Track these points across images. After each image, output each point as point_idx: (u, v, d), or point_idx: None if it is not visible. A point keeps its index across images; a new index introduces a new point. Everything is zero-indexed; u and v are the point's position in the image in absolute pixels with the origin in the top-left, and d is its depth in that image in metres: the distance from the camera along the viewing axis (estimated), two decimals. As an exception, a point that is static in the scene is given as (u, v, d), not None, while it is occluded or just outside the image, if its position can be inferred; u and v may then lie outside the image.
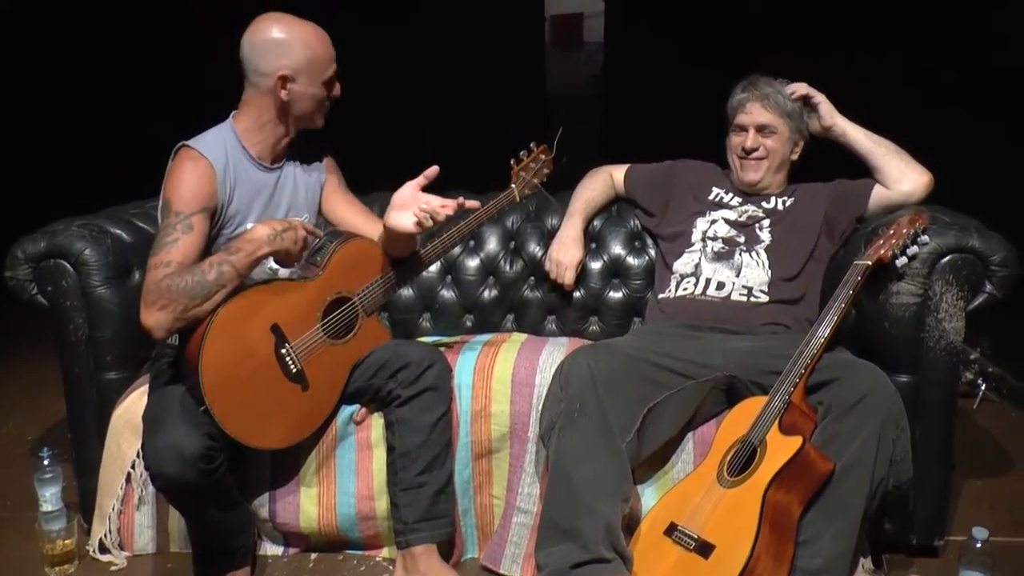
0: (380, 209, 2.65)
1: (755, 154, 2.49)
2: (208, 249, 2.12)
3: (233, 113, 2.22)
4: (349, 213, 2.43)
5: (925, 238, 2.16)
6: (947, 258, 2.17)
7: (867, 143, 2.43)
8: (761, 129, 2.47)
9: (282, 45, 2.13)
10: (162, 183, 2.13)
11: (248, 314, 2.06)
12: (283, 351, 2.12)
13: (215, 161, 2.12)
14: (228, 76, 2.17)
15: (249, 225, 2.19)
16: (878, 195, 2.41)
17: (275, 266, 2.19)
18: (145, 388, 2.27)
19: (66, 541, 2.32)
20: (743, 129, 2.50)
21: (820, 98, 2.47)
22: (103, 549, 2.36)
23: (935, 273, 2.18)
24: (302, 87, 2.16)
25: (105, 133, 6.39)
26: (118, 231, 2.49)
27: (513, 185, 2.40)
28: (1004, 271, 2.16)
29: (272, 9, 2.17)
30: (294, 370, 2.14)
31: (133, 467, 2.29)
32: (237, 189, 2.17)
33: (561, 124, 2.52)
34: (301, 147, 2.34)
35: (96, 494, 2.38)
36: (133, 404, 2.28)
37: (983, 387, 3.25)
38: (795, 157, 2.54)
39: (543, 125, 2.48)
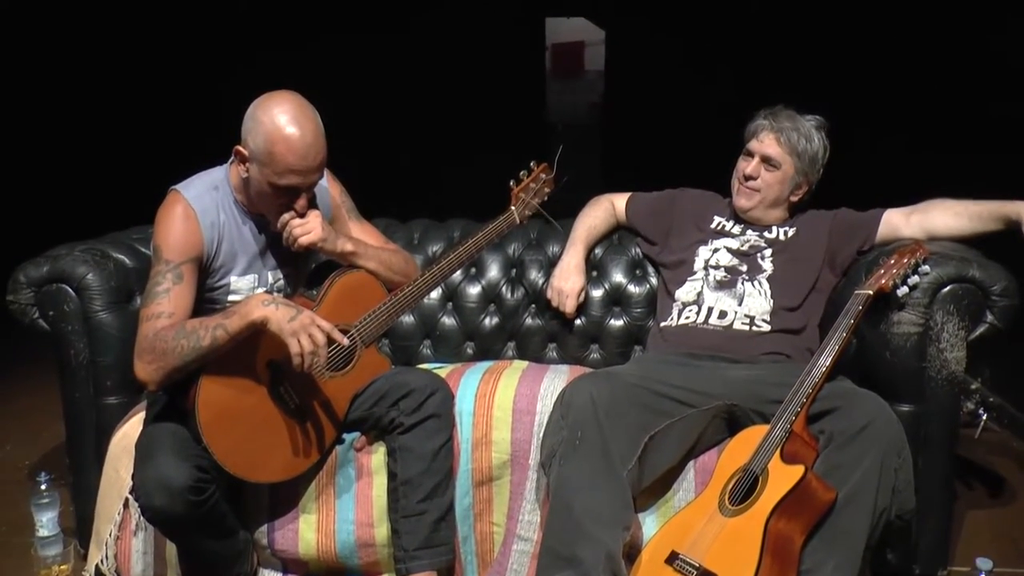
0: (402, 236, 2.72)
1: (751, 183, 2.50)
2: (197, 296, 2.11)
3: (232, 159, 2.13)
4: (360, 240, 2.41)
5: (926, 268, 2.17)
6: (948, 288, 2.18)
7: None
8: (766, 160, 2.48)
9: (254, 124, 2.01)
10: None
11: (244, 352, 2.05)
12: (280, 388, 2.12)
13: (202, 213, 2.08)
14: (239, 108, 2.12)
15: (234, 277, 2.17)
16: (888, 228, 2.42)
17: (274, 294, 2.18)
18: (144, 414, 2.26)
19: (62, 567, 2.31)
20: (750, 155, 2.51)
21: None
22: (99, 575, 2.34)
23: (936, 303, 2.18)
24: (254, 173, 2.04)
25: (109, 158, 6.42)
26: (120, 256, 2.50)
27: (513, 207, 2.40)
28: (1005, 301, 2.17)
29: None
30: (292, 406, 2.14)
31: (131, 493, 2.28)
32: (224, 242, 2.13)
33: (562, 148, 2.53)
34: None
35: (93, 519, 2.37)
36: (132, 429, 2.27)
37: (984, 417, 3.23)
38: (795, 198, 2.53)
39: (544, 153, 2.49)
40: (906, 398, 2.21)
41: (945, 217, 2.36)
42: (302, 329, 1.97)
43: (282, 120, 2.00)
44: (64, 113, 6.42)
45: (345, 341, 2.09)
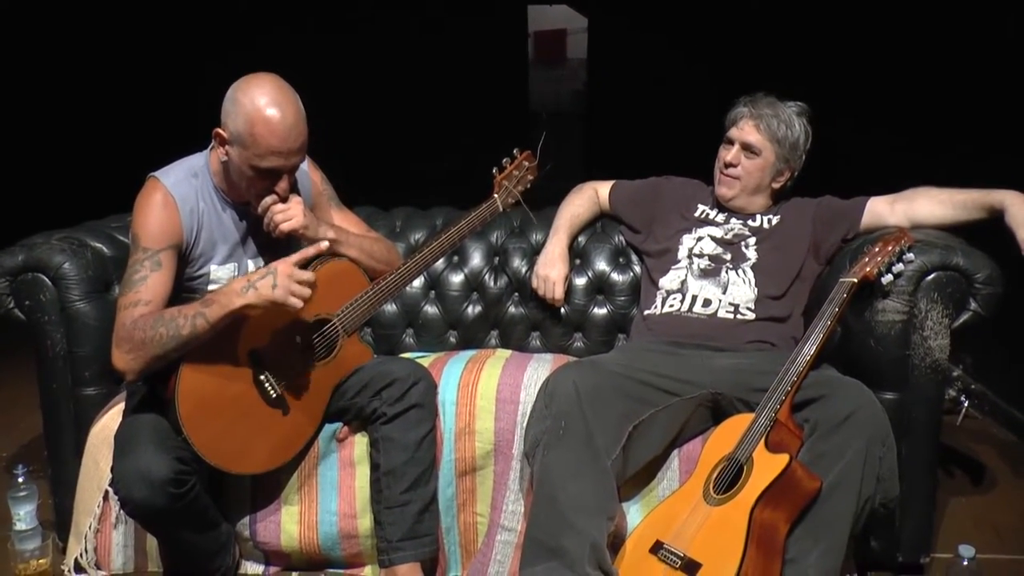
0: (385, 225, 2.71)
1: (732, 170, 2.49)
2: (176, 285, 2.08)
3: (212, 144, 2.11)
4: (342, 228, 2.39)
5: (910, 256, 2.17)
6: (932, 276, 2.18)
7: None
8: (746, 148, 2.47)
9: (234, 106, 1.99)
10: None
11: (225, 341, 2.02)
12: (262, 377, 2.10)
13: (181, 200, 2.05)
14: (219, 94, 2.09)
15: (214, 266, 2.14)
16: (872, 216, 2.42)
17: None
18: (124, 404, 2.24)
19: (40, 560, 2.28)
20: (731, 143, 2.50)
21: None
22: (79, 569, 2.31)
23: (920, 291, 2.18)
24: (234, 156, 2.02)
25: (86, 145, 6.35)
26: (98, 245, 2.47)
27: (496, 195, 2.39)
28: (988, 289, 2.17)
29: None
30: (274, 395, 2.12)
31: (111, 485, 2.25)
32: (203, 230, 2.10)
33: (545, 135, 2.51)
34: None
35: (72, 512, 2.34)
36: (112, 420, 2.25)
37: (966, 404, 3.25)
38: (777, 185, 2.52)
39: (527, 140, 2.48)
40: (890, 386, 2.21)
41: (930, 205, 2.36)
42: (287, 287, 1.95)
43: (262, 101, 1.97)
44: (39, 99, 6.33)
45: (322, 246, 2.08)
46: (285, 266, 1.98)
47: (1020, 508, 2.68)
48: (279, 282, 1.95)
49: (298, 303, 1.96)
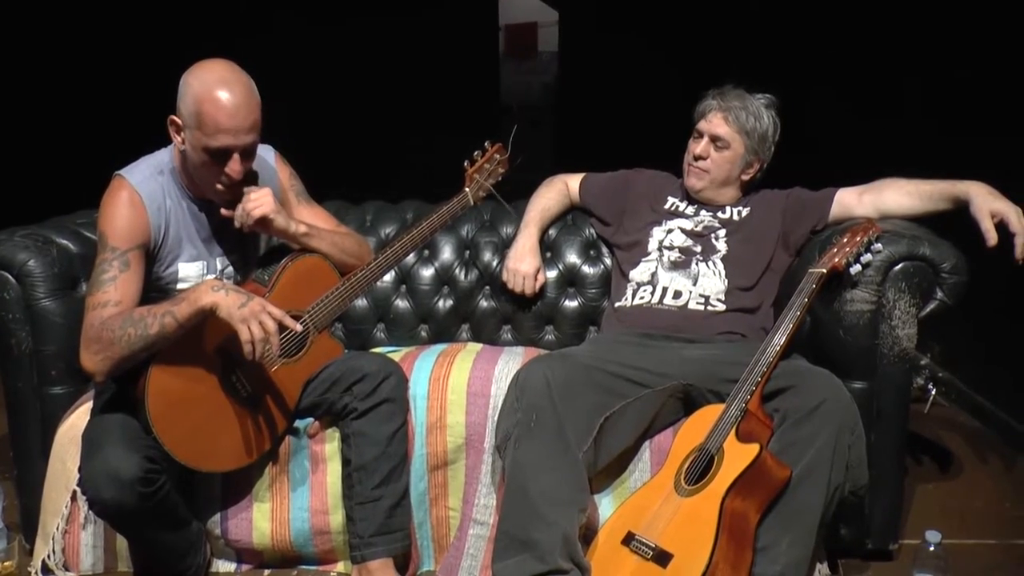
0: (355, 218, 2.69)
1: (701, 163, 2.50)
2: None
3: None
4: (312, 223, 2.36)
5: (878, 246, 2.19)
6: (900, 266, 2.20)
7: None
8: (715, 140, 2.48)
9: (185, 89, 1.97)
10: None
11: (194, 339, 2.00)
12: (232, 376, 2.08)
13: (148, 198, 2.03)
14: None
15: (181, 264, 2.12)
16: (840, 207, 2.44)
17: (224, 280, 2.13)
18: (91, 404, 2.21)
19: (6, 563, 2.25)
20: (700, 135, 2.51)
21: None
22: (46, 570, 2.28)
23: (888, 281, 2.20)
24: (188, 140, 1.99)
25: (51, 141, 6.26)
26: (64, 241, 2.43)
27: (467, 188, 2.38)
28: (954, 278, 2.20)
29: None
30: (244, 393, 2.10)
31: (79, 485, 2.22)
32: (171, 227, 2.08)
33: (516, 127, 2.50)
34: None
35: (39, 513, 2.31)
36: (79, 420, 2.22)
37: (933, 392, 3.28)
38: (746, 177, 2.53)
39: (498, 133, 2.48)
40: (859, 375, 2.23)
41: (897, 196, 2.38)
42: (252, 316, 1.93)
43: (210, 79, 1.95)
44: (3, 94, 6.24)
45: (297, 327, 2.05)
46: (263, 302, 1.96)
47: (985, 494, 2.72)
48: (250, 305, 1.93)
49: (247, 334, 1.91)
